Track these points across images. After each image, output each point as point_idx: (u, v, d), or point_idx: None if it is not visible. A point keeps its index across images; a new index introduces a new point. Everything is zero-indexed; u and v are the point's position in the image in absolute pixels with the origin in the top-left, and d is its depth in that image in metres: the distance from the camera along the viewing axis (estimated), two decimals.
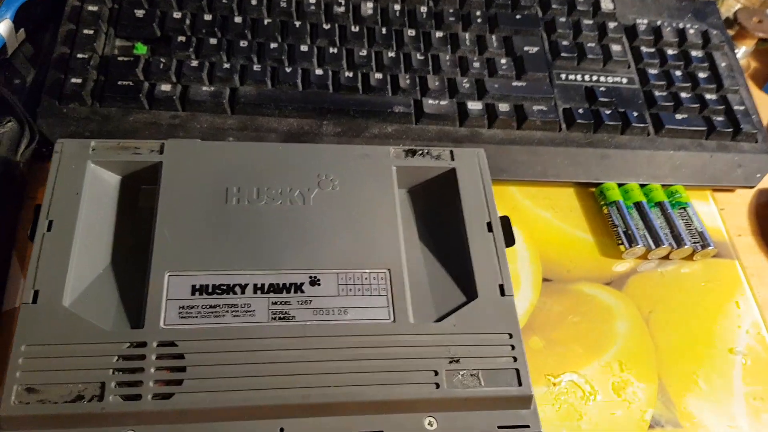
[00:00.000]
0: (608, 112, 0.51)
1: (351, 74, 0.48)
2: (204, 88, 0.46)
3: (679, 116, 0.52)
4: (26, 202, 0.43)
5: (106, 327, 0.33)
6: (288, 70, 0.47)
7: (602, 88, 0.53)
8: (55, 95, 0.44)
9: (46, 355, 0.32)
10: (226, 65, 0.46)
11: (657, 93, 0.53)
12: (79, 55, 0.45)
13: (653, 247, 0.47)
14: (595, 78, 0.54)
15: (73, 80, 0.44)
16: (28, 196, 0.44)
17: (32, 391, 0.31)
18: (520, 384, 0.34)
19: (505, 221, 0.39)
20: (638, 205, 0.49)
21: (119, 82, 0.45)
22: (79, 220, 0.35)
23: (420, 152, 0.41)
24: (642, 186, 0.50)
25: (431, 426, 0.33)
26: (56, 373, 0.31)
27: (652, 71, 0.54)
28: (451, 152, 0.41)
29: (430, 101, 0.48)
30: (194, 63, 0.46)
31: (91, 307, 0.34)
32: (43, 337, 0.32)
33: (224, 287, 0.35)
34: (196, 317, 0.34)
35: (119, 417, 0.31)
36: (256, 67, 0.47)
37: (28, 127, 0.43)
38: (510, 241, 0.39)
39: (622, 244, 0.47)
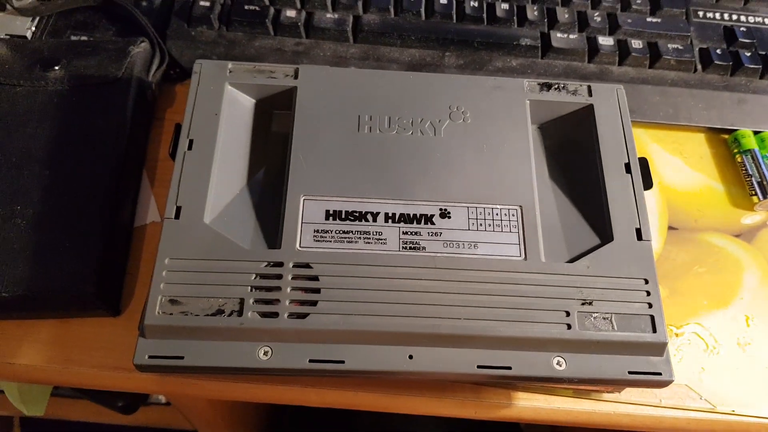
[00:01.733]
0: (748, 54, 0.48)
1: (476, 4, 0.46)
2: (328, 15, 0.45)
3: None
4: (154, 122, 0.44)
5: (245, 246, 0.34)
6: None
7: (743, 28, 0.49)
8: (183, 17, 0.44)
9: (188, 269, 0.32)
10: None
11: None
12: None
13: None
14: (735, 17, 0.50)
15: (202, 3, 0.44)
16: (156, 116, 0.45)
17: (175, 302, 0.32)
18: (654, 331, 0.33)
19: (644, 163, 0.37)
20: None
21: (246, 6, 0.44)
22: (218, 141, 0.35)
23: (555, 86, 0.39)
24: None
25: (560, 366, 0.32)
26: (198, 287, 0.32)
27: None
28: (589, 87, 0.39)
29: (559, 35, 0.46)
30: None
31: (229, 225, 0.34)
32: (186, 252, 0.33)
33: (357, 214, 0.35)
34: (330, 241, 0.34)
35: (256, 333, 0.32)
36: None
37: (159, 48, 0.43)
38: (648, 183, 0.37)
39: (756, 195, 0.45)
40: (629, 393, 0.38)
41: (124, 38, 0.43)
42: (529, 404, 0.38)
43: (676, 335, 0.40)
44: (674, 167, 0.46)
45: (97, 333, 0.38)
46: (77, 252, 0.36)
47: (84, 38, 0.44)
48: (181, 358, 0.31)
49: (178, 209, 0.34)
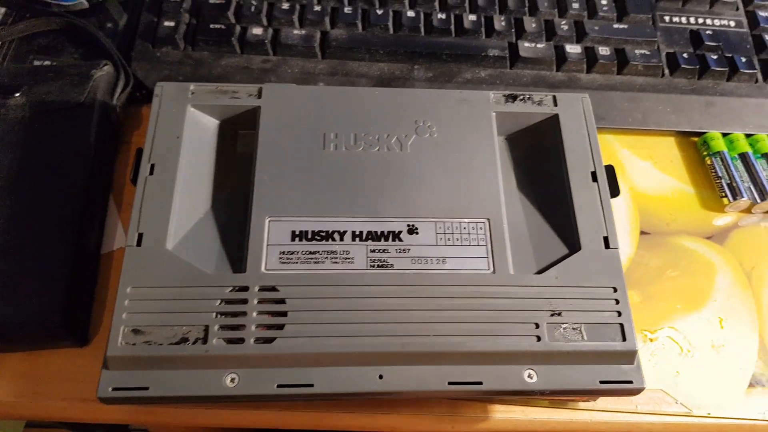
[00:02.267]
0: (714, 57, 0.48)
1: (443, 16, 0.46)
2: (295, 32, 0.45)
3: None
4: (121, 146, 0.44)
5: (209, 271, 0.33)
6: (379, 12, 0.46)
7: (708, 32, 0.49)
8: (148, 39, 0.44)
9: (151, 298, 0.32)
10: (317, 8, 0.45)
11: (767, 37, 0.49)
12: None
13: (758, 200, 0.45)
14: (701, 21, 0.50)
15: (166, 23, 0.44)
16: (123, 139, 0.44)
17: (138, 332, 0.31)
18: (624, 339, 0.33)
19: (610, 170, 0.37)
20: (743, 156, 0.46)
21: (211, 26, 0.44)
22: (180, 165, 0.35)
23: (521, 97, 0.39)
24: (748, 136, 0.47)
25: (531, 379, 0.32)
26: (161, 316, 0.32)
27: (763, 14, 0.50)
28: (554, 97, 0.39)
29: (526, 44, 0.46)
30: (285, 6, 0.45)
31: (193, 250, 0.34)
32: (148, 280, 0.32)
33: (323, 233, 0.34)
34: (297, 263, 0.34)
35: (222, 360, 0.31)
36: (347, 10, 0.46)
37: (123, 71, 0.43)
38: (615, 191, 0.37)
39: (726, 196, 0.45)
40: (605, 400, 0.38)
41: (88, 62, 0.43)
42: (506, 416, 0.38)
43: (651, 340, 0.40)
44: (645, 172, 0.46)
45: (65, 364, 0.37)
46: (43, 283, 0.35)
47: (47, 63, 0.44)
48: (146, 389, 0.31)
49: (140, 236, 0.33)
